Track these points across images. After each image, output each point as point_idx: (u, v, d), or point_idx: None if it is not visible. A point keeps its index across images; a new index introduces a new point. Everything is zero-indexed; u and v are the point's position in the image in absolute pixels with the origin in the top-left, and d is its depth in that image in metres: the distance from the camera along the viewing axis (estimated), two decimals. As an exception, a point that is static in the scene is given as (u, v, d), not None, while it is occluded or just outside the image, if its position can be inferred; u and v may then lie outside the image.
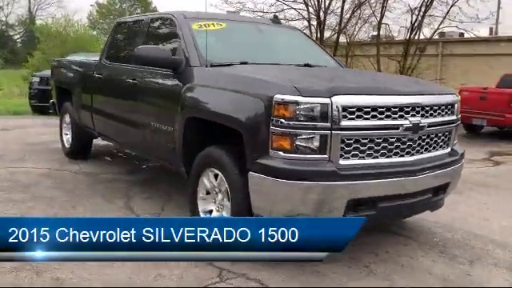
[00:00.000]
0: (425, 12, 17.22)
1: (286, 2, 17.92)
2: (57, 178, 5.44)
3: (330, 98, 2.91)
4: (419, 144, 3.31)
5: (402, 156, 3.23)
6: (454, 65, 19.75)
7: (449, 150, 3.67)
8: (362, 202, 3.07)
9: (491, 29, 23.90)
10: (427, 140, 3.39)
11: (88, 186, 5.19)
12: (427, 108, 3.32)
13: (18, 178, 5.35)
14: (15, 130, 9.07)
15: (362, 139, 3.04)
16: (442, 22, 17.71)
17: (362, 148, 3.05)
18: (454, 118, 3.62)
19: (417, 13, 16.88)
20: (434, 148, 3.49)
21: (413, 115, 3.21)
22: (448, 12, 17.33)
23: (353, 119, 2.98)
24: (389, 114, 3.11)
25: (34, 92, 11.69)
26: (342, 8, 17.27)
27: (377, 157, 3.12)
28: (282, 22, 17.56)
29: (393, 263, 3.45)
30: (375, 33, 18.22)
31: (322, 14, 17.63)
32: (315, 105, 2.90)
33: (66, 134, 6.67)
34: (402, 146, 3.21)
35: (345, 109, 2.95)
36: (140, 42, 4.75)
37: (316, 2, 17.57)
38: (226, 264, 3.24)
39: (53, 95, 7.17)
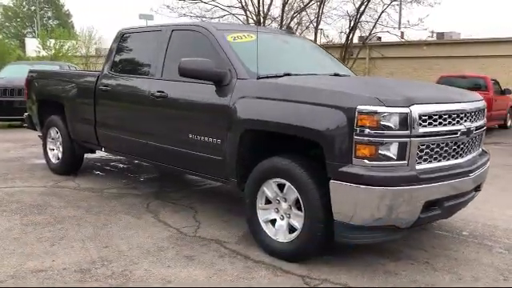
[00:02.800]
0: (359, 18, 18.18)
1: (224, 8, 18.06)
2: (62, 196, 5.18)
3: (409, 107, 3.12)
4: (468, 146, 3.63)
5: (457, 158, 3.51)
6: (380, 67, 21.04)
7: (481, 150, 4.03)
8: (433, 203, 3.30)
9: (402, 33, 25.53)
10: (472, 142, 3.71)
11: (102, 202, 5.00)
12: (473, 113, 3.64)
13: (22, 199, 5.02)
14: (-26, 147, 8.40)
15: (431, 144, 3.28)
16: (374, 26, 18.78)
17: (430, 153, 3.29)
18: (485, 121, 3.98)
19: (352, 19, 17.74)
20: (474, 149, 3.82)
21: (465, 120, 3.51)
22: (378, 18, 18.46)
23: (425, 126, 3.21)
24: (450, 120, 3.38)
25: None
26: (282, 13, 17.76)
27: (440, 160, 3.37)
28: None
29: (445, 257, 3.72)
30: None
31: (261, 19, 18.01)
32: (396, 114, 3.09)
33: (53, 150, 6.34)
34: (457, 149, 3.49)
35: (420, 117, 3.16)
36: (160, 53, 4.68)
37: (256, 9, 17.91)
38: (304, 271, 3.35)
39: (30, 108, 6.75)
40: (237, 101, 3.83)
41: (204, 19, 17.26)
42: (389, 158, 3.11)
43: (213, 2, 17.40)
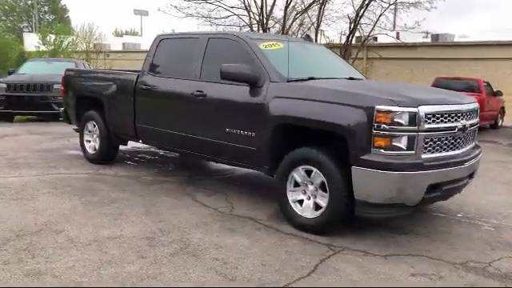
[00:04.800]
0: (358, 21, 18.93)
1: (227, 8, 18.73)
2: (106, 182, 5.88)
3: (417, 107, 3.87)
4: (463, 140, 4.38)
5: (454, 150, 4.27)
6: (377, 67, 21.80)
7: (474, 144, 4.79)
8: (434, 186, 4.05)
9: (398, 33, 26.27)
10: (467, 137, 4.47)
11: (143, 187, 5.70)
12: (468, 113, 4.40)
13: (72, 184, 5.71)
14: (7, 138, 9.05)
15: (434, 138, 4.03)
16: (372, 29, 19.55)
17: (433, 145, 4.04)
18: (478, 119, 4.74)
19: (352, 21, 18.49)
20: (469, 143, 4.58)
21: (462, 119, 4.27)
22: (377, 21, 19.24)
23: (430, 123, 3.96)
24: (450, 118, 4.13)
25: (1, 99, 11.47)
26: (285, 15, 18.47)
27: (441, 151, 4.12)
28: (221, 28, 18.42)
29: (442, 233, 4.49)
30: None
31: (264, 20, 18.72)
32: (407, 113, 3.83)
33: (89, 141, 7.03)
34: (454, 143, 4.25)
35: (426, 115, 3.91)
36: (198, 58, 5.39)
37: (258, 10, 18.61)
38: (327, 241, 4.09)
39: (67, 103, 7.43)
40: (270, 100, 4.56)
41: (210, 20, 17.92)
42: (400, 149, 3.86)
43: (216, 3, 18.12)
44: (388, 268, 3.61)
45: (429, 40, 22.67)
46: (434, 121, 3.99)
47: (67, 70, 7.58)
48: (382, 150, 3.85)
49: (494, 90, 14.62)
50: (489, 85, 14.40)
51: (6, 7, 60.63)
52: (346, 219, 4.20)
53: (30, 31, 50.02)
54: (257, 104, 4.67)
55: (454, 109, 4.20)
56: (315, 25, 19.38)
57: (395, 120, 3.82)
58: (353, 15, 18.26)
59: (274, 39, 5.30)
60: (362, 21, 18.88)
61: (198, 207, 4.98)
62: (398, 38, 21.26)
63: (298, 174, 4.38)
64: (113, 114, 6.45)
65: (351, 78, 5.26)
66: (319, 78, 4.84)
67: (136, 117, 6.10)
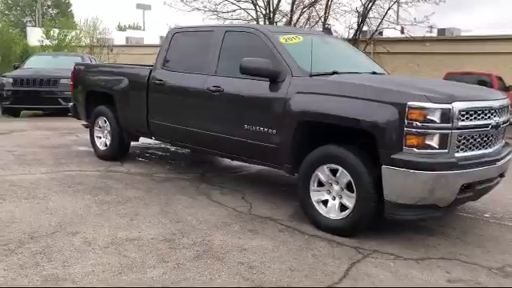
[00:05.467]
0: (366, 14, 18.69)
1: (233, 1, 18.50)
2: (119, 179, 5.70)
3: (451, 103, 3.67)
4: (495, 138, 4.18)
5: (486, 148, 4.07)
6: (385, 62, 21.54)
7: (504, 142, 4.59)
8: (467, 186, 3.86)
9: (402, 28, 25.93)
10: (498, 135, 4.27)
11: (156, 185, 5.53)
12: (500, 109, 4.20)
13: (84, 181, 5.54)
14: (15, 134, 8.89)
15: (467, 136, 3.83)
16: (380, 23, 19.31)
17: (466, 143, 3.84)
18: (509, 116, 4.54)
19: (360, 15, 18.26)
20: (499, 141, 4.38)
21: (494, 116, 4.07)
22: (385, 15, 19.00)
23: (463, 120, 3.76)
24: (483, 115, 3.94)
25: (8, 93, 11.31)
26: (292, 8, 18.25)
27: (474, 149, 3.93)
28: (229, 22, 18.20)
29: (473, 234, 4.30)
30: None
31: (271, 14, 18.49)
32: (441, 109, 3.64)
33: (100, 137, 6.85)
34: (487, 141, 4.05)
35: (459, 112, 3.72)
36: (214, 52, 5.20)
37: (265, 3, 18.38)
38: (355, 243, 3.91)
39: (76, 99, 7.26)
40: (293, 96, 4.36)
41: (216, 13, 17.71)
42: (433, 147, 3.67)
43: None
44: (422, 273, 3.43)
45: (434, 34, 22.42)
46: (467, 118, 3.80)
47: (76, 64, 7.40)
48: (415, 149, 3.65)
49: (507, 85, 14.38)
50: (501, 79, 14.18)
51: (10, 1, 60.51)
52: (374, 220, 4.02)
53: (33, 26, 49.86)
54: (278, 100, 4.48)
55: (487, 105, 4.00)
56: (322, 19, 19.16)
57: (428, 117, 3.62)
58: (361, 9, 17.99)
59: (294, 32, 5.10)
60: (370, 14, 18.65)
61: (215, 206, 4.80)
62: (402, 32, 21.01)
63: (322, 173, 4.19)
64: (125, 109, 6.27)
65: (374, 73, 5.06)
66: (342, 73, 4.64)
67: (149, 113, 5.92)
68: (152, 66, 6.07)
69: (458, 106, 3.70)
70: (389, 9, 18.80)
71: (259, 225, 4.31)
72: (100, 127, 6.83)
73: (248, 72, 4.53)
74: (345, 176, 4.03)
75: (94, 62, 12.39)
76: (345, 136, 4.17)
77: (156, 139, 6.17)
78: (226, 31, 5.23)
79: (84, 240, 3.75)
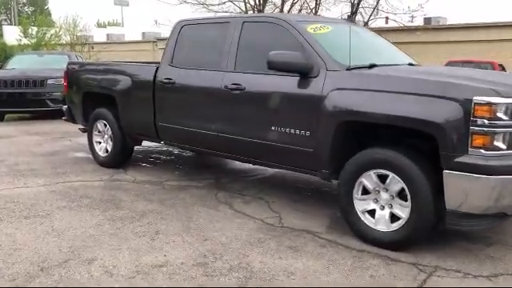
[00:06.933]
0: (358, 4, 18.29)
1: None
2: (126, 190, 5.15)
3: (521, 97, 3.21)
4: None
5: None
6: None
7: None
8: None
9: (387, 18, 25.64)
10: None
11: (169, 195, 4.99)
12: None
13: (89, 194, 4.98)
14: (3, 141, 8.20)
15: (536, 134, 3.37)
16: (372, 13, 18.93)
17: (535, 142, 3.38)
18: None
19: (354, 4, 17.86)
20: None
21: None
22: (377, 4, 18.61)
23: (534, 116, 3.30)
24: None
25: (-5, 96, 10.57)
26: (283, 0, 17.73)
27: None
28: (213, 14, 17.60)
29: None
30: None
31: (261, 5, 17.95)
32: (511, 105, 3.18)
33: (99, 143, 6.27)
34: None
35: (531, 107, 3.25)
36: (232, 45, 4.66)
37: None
38: (411, 259, 3.44)
39: (71, 101, 6.65)
40: (330, 92, 3.86)
41: (205, 6, 17.12)
42: (501, 148, 3.20)
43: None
44: (503, 295, 2.97)
45: (417, 24, 22.17)
46: (537, 113, 3.33)
47: (70, 63, 6.80)
48: (482, 151, 3.19)
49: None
50: (503, 68, 13.89)
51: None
52: (432, 231, 3.55)
53: (9, 24, 48.50)
54: (312, 97, 3.98)
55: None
56: (314, 10, 18.69)
57: (497, 114, 3.15)
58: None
59: (319, 21, 4.59)
60: (363, 4, 18.27)
61: (240, 218, 4.29)
62: (386, 22, 20.67)
63: (368, 180, 3.70)
64: (128, 111, 5.69)
65: (411, 64, 4.59)
66: (381, 65, 4.15)
67: (156, 115, 5.36)
68: (157, 63, 5.51)
69: (529, 100, 3.24)
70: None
71: (297, 239, 3.81)
72: (99, 131, 6.24)
73: (277, 67, 4.02)
74: (396, 183, 3.55)
75: (80, 61, 11.68)
76: (395, 137, 3.70)
77: (165, 143, 5.60)
78: (244, 22, 4.69)
79: (104, 269, 3.20)
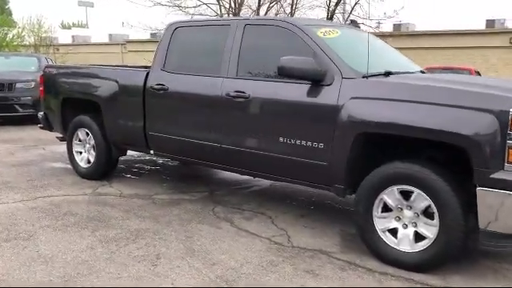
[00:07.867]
0: (334, 9, 18.20)
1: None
2: (114, 206, 4.73)
3: (559, 109, 3.00)
4: None
5: None
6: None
7: None
8: None
9: (353, 21, 25.52)
10: None
11: (162, 211, 4.60)
12: None
13: (73, 210, 4.53)
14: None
15: None
16: (348, 17, 18.85)
17: None
18: None
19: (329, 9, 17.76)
20: None
21: None
22: (352, 9, 18.56)
23: None
24: None
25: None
26: (259, 2, 17.45)
27: None
28: (190, 17, 17.19)
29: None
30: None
31: (236, 9, 17.62)
32: (549, 117, 2.97)
33: (80, 153, 5.81)
34: None
35: None
36: (233, 50, 4.33)
37: (230, -1, 17.47)
38: (439, 282, 3.19)
39: (48, 107, 6.15)
40: (347, 102, 3.58)
41: (180, 8, 16.65)
42: (538, 163, 2.98)
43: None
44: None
45: (384, 30, 22.35)
46: None
47: (47, 66, 6.30)
48: (520, 166, 2.96)
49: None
50: (479, 74, 14.04)
51: None
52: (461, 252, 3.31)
53: (-32, 24, 46.63)
54: (326, 107, 3.69)
55: None
56: (290, 15, 18.47)
57: (536, 127, 2.94)
58: (332, 4, 17.48)
59: (326, 25, 4.31)
60: (339, 9, 18.16)
61: (246, 237, 3.96)
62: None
63: (390, 196, 3.43)
64: (114, 119, 5.25)
65: (422, 72, 4.36)
66: (397, 73, 3.91)
67: (147, 123, 4.96)
68: (147, 67, 5.12)
69: None
70: (356, 3, 18.35)
71: (312, 262, 3.50)
72: (80, 140, 5.78)
73: (288, 73, 3.71)
74: (422, 200, 3.29)
75: (49, 63, 11.06)
76: (419, 151, 3.45)
77: (155, 154, 5.19)
78: (246, 25, 4.35)
79: (106, 304, 2.81)
